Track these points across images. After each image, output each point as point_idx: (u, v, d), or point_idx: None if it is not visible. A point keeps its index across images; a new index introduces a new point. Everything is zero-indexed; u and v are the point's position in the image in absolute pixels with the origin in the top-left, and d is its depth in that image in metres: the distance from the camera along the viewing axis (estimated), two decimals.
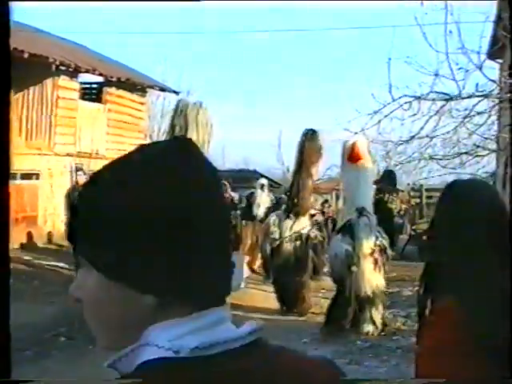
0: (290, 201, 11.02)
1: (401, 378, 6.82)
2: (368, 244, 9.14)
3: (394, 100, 9.91)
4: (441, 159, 11.02)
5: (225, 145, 33.08)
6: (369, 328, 9.15)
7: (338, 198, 20.29)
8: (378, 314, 9.22)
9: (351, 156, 9.48)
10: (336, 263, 9.33)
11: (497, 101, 10.44)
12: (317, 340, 9.10)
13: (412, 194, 16.81)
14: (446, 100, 9.95)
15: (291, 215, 10.82)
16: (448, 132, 10.66)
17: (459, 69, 9.60)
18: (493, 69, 11.07)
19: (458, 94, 9.81)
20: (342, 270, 9.15)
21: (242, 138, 58.88)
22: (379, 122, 10.15)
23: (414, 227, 16.62)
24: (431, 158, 11.15)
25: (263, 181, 15.57)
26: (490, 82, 10.04)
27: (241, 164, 36.36)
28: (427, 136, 10.71)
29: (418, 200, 17.67)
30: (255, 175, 17.26)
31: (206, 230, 1.04)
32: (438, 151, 11.22)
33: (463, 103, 10.34)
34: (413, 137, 10.60)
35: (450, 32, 9.40)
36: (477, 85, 9.99)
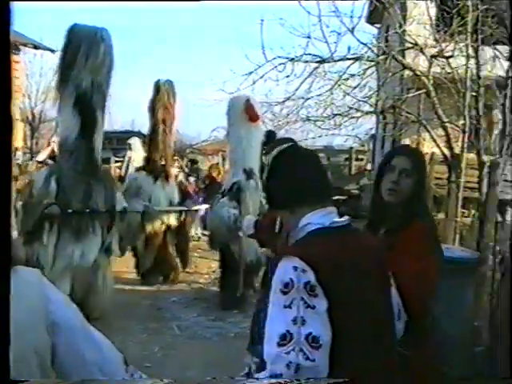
0: (152, 161, 10.21)
1: None
2: (255, 208, 8.52)
3: (267, 61, 9.94)
4: (316, 120, 11.17)
5: (112, 107, 32.11)
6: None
7: (224, 159, 20.02)
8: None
9: (251, 115, 8.76)
10: (220, 228, 8.60)
11: (369, 64, 10.70)
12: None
13: None
14: (319, 62, 10.08)
15: (159, 178, 10.19)
16: (322, 94, 10.82)
17: (331, 32, 9.75)
18: (365, 32, 11.20)
19: (330, 57, 9.96)
20: (228, 235, 8.47)
21: (130, 101, 57.26)
22: (254, 83, 10.17)
23: None
24: (308, 118, 11.30)
25: (132, 140, 14.94)
26: (362, 45, 10.25)
27: (128, 126, 35.56)
28: (302, 98, 10.86)
29: None
30: (139, 136, 16.75)
31: None
32: (313, 113, 11.33)
33: (337, 66, 10.53)
34: (288, 98, 10.71)
35: None
36: (349, 48, 10.20)
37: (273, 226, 3.76)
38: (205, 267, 11.60)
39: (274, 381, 2.06)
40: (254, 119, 8.80)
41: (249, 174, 8.74)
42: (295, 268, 2.12)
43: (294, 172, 2.39)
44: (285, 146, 2.46)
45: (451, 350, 4.94)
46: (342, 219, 2.34)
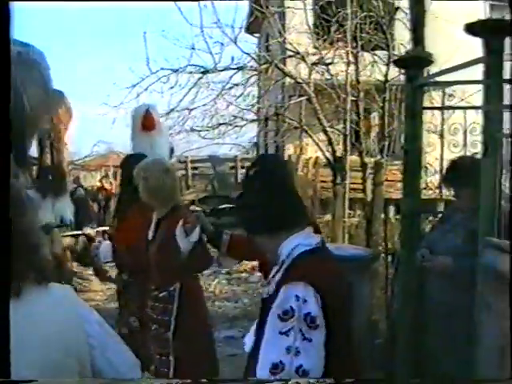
0: (42, 175, 9.84)
1: None
2: None
3: (152, 73, 9.93)
4: (201, 130, 11.25)
5: None
6: None
7: (107, 175, 19.64)
8: None
9: (144, 124, 8.24)
10: None
11: (251, 73, 10.90)
12: None
13: (178, 166, 17.09)
14: (203, 73, 10.17)
15: (49, 194, 9.97)
16: (206, 104, 10.91)
17: (215, 42, 9.87)
18: (247, 42, 11.43)
19: (214, 67, 10.07)
20: None
21: None
22: (138, 95, 10.12)
23: (182, 197, 16.93)
24: (192, 129, 11.35)
25: None
26: (245, 55, 10.44)
27: None
28: (187, 108, 10.90)
29: (183, 172, 17.93)
30: None
31: None
32: (198, 123, 11.40)
33: (220, 76, 10.66)
34: (172, 109, 10.72)
35: (205, 6, 9.60)
36: (232, 58, 10.37)
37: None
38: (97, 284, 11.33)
39: None
40: (146, 128, 8.21)
41: None
42: (297, 298, 2.14)
43: (272, 196, 2.38)
44: (257, 168, 2.47)
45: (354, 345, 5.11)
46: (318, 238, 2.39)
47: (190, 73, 10.12)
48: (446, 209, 5.89)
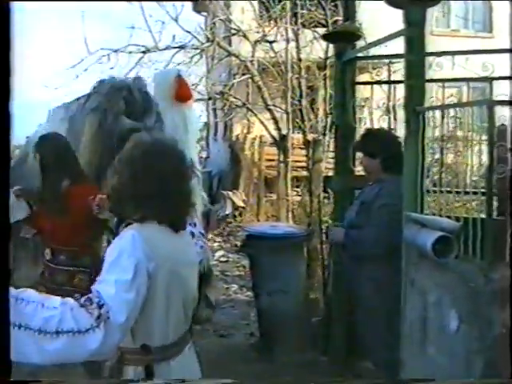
0: None
1: None
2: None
3: (90, 54, 9.69)
4: None
5: None
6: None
7: None
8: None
9: (178, 93, 6.13)
10: None
11: (193, 52, 10.76)
12: None
13: None
14: (144, 52, 9.97)
15: None
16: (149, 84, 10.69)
17: (156, 21, 9.69)
18: (190, 21, 11.23)
19: (155, 46, 9.89)
20: None
21: None
22: (77, 76, 9.88)
23: None
24: None
25: None
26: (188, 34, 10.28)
27: None
28: None
29: None
30: None
31: None
32: None
33: (164, 55, 10.47)
34: None
35: None
36: (173, 36, 10.21)
37: None
38: None
39: None
40: (181, 98, 6.21)
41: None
42: None
43: None
44: None
45: (288, 324, 5.10)
46: None
47: (130, 52, 9.92)
48: None
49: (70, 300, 1.96)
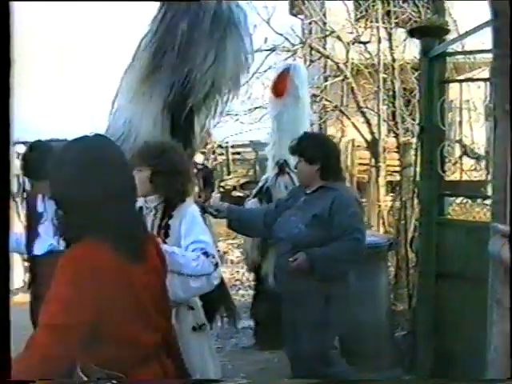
0: None
1: None
2: None
3: None
4: (236, 115, 10.97)
5: None
6: None
7: None
8: None
9: (273, 88, 6.20)
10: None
11: (287, 54, 10.58)
12: None
13: (218, 151, 16.86)
14: None
15: None
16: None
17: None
18: (281, 24, 11.08)
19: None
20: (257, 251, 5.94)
21: None
22: None
23: (222, 184, 16.71)
24: (227, 114, 11.07)
25: None
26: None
27: None
28: None
29: (224, 157, 17.74)
30: None
31: None
32: (233, 107, 11.09)
33: (255, 57, 10.33)
34: None
35: None
36: (265, 39, 10.07)
37: None
38: None
39: None
40: (275, 93, 6.19)
41: (281, 167, 6.06)
42: None
43: None
44: None
45: (365, 337, 4.81)
46: None
47: None
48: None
49: (199, 253, 3.07)
